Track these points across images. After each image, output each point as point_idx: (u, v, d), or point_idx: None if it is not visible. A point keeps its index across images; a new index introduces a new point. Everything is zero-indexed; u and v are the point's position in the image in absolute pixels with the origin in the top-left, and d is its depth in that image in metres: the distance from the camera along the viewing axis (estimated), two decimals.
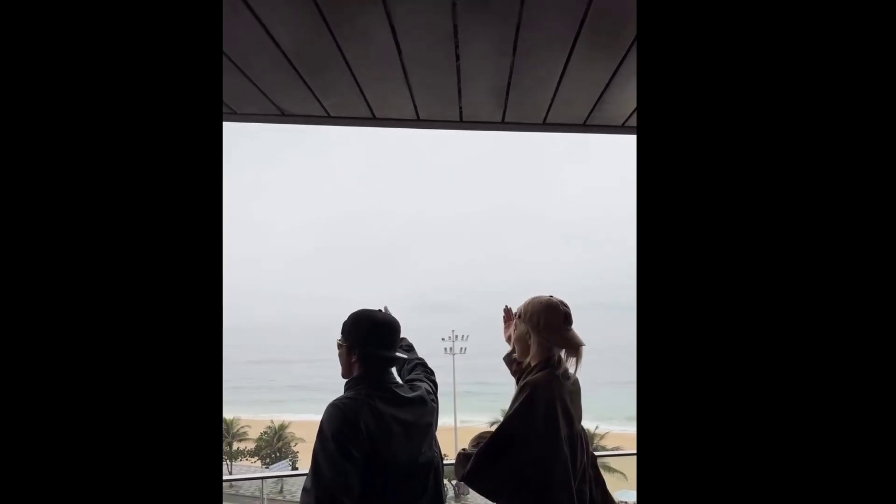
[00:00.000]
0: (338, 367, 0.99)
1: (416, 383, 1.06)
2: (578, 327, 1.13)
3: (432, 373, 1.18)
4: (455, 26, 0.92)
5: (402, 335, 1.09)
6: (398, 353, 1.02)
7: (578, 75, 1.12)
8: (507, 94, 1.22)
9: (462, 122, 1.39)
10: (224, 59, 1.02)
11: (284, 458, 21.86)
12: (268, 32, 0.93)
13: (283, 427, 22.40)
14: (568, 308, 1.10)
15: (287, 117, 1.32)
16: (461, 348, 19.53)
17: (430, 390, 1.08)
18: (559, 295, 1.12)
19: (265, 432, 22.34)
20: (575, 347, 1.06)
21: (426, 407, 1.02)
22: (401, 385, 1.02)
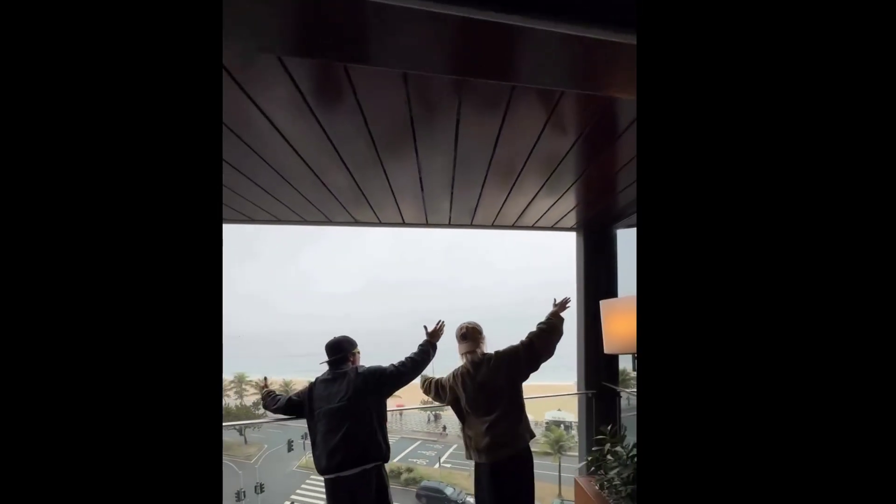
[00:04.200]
0: None
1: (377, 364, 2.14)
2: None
3: (405, 363, 2.12)
4: (388, 179, 2.01)
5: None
6: (336, 356, 2.09)
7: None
8: (425, 208, 2.30)
9: (404, 224, 2.49)
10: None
11: None
12: (286, 181, 1.97)
13: None
14: (463, 329, 2.13)
15: (306, 221, 2.40)
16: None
17: (376, 370, 2.05)
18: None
19: None
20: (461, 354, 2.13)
21: (345, 382, 2.00)
22: (337, 369, 2.05)
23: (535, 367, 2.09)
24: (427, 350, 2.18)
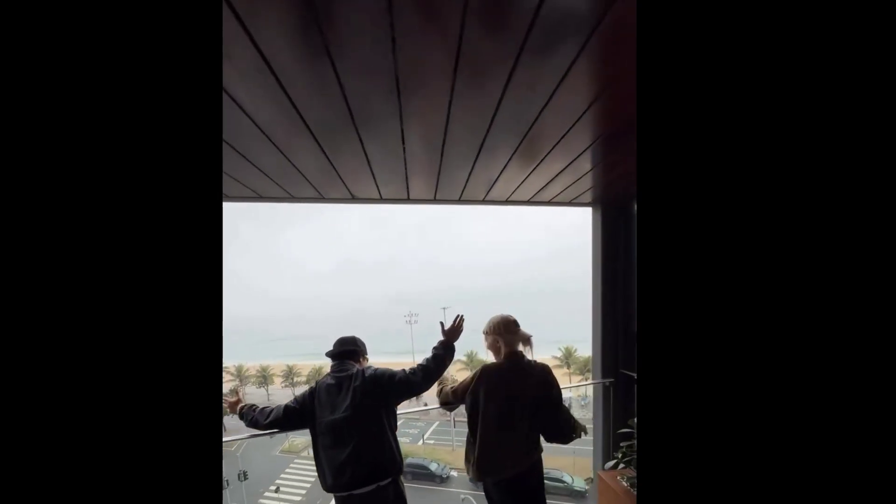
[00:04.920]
0: None
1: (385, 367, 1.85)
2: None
3: (416, 371, 1.78)
4: (403, 143, 1.67)
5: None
6: (341, 349, 1.82)
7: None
8: (438, 180, 1.98)
9: (409, 200, 2.16)
10: (264, 175, 1.72)
11: None
12: (290, 162, 1.59)
13: None
14: (510, 319, 1.76)
15: (294, 198, 2.03)
16: (414, 321, 41.92)
17: (385, 372, 1.75)
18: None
19: None
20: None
21: (350, 387, 1.70)
22: (340, 372, 1.75)
23: (544, 425, 1.80)
24: (442, 356, 1.82)
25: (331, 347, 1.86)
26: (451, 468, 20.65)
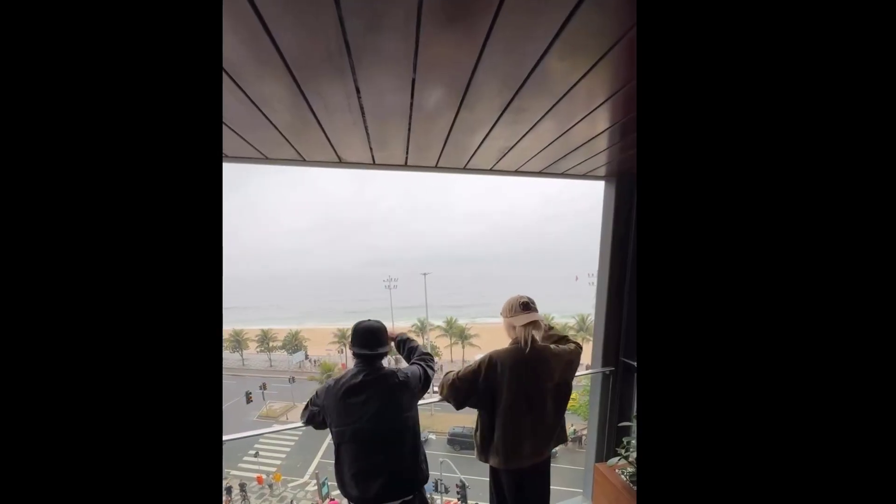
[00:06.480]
0: None
1: (409, 366, 1.61)
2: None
3: (430, 361, 1.69)
4: (412, 97, 1.15)
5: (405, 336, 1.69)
6: (377, 350, 1.50)
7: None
8: (445, 144, 1.66)
9: (406, 166, 1.84)
10: (229, 129, 1.37)
11: None
12: (262, 112, 1.23)
13: None
14: (525, 299, 1.63)
15: (268, 159, 1.69)
16: (394, 285, 38.64)
17: (415, 374, 1.55)
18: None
19: None
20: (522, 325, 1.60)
21: (381, 392, 1.45)
22: (367, 374, 1.46)
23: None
24: (415, 347, 1.78)
25: (355, 338, 1.52)
26: (430, 432, 21.25)
